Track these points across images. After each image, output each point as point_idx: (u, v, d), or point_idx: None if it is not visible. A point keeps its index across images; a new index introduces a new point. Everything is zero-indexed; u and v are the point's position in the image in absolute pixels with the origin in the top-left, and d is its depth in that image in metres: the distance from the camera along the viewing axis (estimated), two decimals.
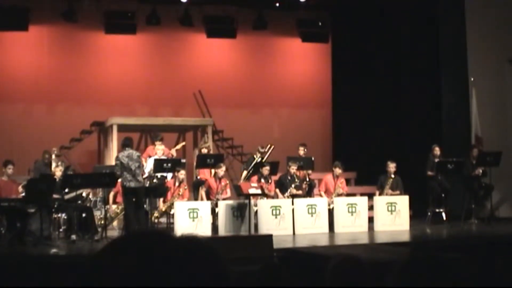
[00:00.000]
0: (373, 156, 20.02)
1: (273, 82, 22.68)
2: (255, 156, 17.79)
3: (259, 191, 15.90)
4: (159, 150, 17.02)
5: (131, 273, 1.38)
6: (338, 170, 17.15)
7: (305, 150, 18.29)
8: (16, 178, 15.32)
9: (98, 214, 15.70)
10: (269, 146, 17.93)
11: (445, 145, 18.20)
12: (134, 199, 14.60)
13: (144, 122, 20.09)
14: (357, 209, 16.24)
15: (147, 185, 15.93)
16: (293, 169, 16.93)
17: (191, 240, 1.49)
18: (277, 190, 16.86)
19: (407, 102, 20.66)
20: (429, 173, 17.29)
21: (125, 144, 14.90)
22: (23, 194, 14.51)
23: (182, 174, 16.09)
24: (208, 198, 16.41)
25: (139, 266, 1.39)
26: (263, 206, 15.79)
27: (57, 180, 14.80)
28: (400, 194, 16.95)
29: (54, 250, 13.01)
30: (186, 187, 16.24)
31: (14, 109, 20.45)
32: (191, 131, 20.76)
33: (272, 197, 16.60)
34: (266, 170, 16.62)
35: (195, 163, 17.75)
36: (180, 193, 15.88)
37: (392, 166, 17.11)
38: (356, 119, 21.61)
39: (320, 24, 22.47)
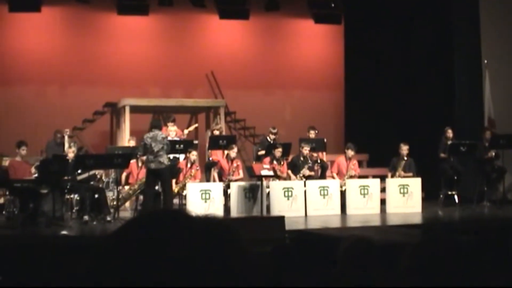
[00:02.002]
0: (386, 138, 20.00)
1: (286, 64, 22.64)
2: (268, 138, 17.78)
3: (271, 173, 15.90)
4: (172, 132, 17.05)
5: (147, 253, 1.38)
6: (350, 152, 17.11)
7: (316, 132, 18.23)
8: (28, 159, 15.39)
9: (110, 195, 15.72)
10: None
11: (458, 128, 18.14)
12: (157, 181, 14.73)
13: (157, 103, 20.08)
14: (369, 191, 16.23)
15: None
16: (306, 150, 16.89)
17: (209, 219, 1.49)
18: (290, 172, 16.86)
19: (420, 84, 20.58)
20: (442, 155, 17.25)
21: (152, 126, 14.86)
22: (36, 175, 14.58)
23: (194, 155, 16.08)
24: (220, 180, 16.42)
25: (156, 246, 1.39)
26: (275, 188, 15.80)
27: (70, 161, 14.85)
28: (413, 176, 16.90)
29: (66, 231, 13.07)
30: (198, 168, 16.24)
31: (27, 90, 20.50)
32: (203, 112, 20.75)
33: (285, 179, 16.60)
34: (278, 151, 16.59)
35: (207, 145, 17.76)
36: (192, 174, 15.89)
37: (404, 148, 17.06)
38: (368, 101, 21.56)
39: (332, 5, 22.35)
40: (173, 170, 15.77)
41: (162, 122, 15.10)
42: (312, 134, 18.13)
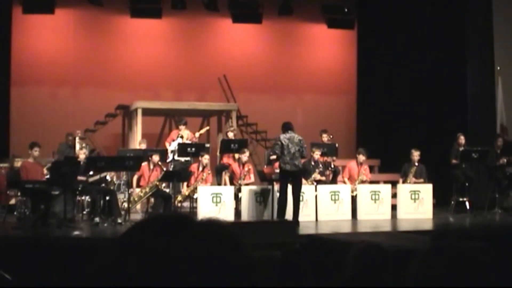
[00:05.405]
0: (397, 144, 19.97)
1: (298, 68, 22.63)
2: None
3: None
4: (185, 134, 17.11)
5: (152, 256, 1.39)
6: (362, 157, 17.09)
7: (331, 137, 18.13)
8: (41, 160, 15.43)
9: (121, 197, 15.76)
10: None
11: (470, 134, 18.11)
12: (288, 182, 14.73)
13: (169, 106, 20.07)
14: (380, 196, 16.21)
15: (170, 169, 16.01)
16: (317, 154, 16.85)
17: (212, 224, 1.50)
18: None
19: (433, 90, 20.55)
20: (453, 161, 17.22)
21: (286, 128, 14.92)
22: (48, 176, 14.62)
23: (206, 158, 16.09)
24: (232, 183, 16.42)
25: (160, 249, 1.40)
26: None
27: (81, 162, 14.88)
28: (424, 182, 16.88)
29: (77, 232, 13.11)
30: (209, 172, 16.26)
31: (40, 92, 20.57)
32: (215, 115, 20.74)
33: None
34: None
35: (219, 148, 17.75)
36: (204, 178, 15.91)
37: (416, 154, 17.03)
38: (380, 106, 21.55)
39: (346, 10, 22.34)
40: (184, 173, 15.81)
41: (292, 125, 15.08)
42: (324, 137, 18.05)
